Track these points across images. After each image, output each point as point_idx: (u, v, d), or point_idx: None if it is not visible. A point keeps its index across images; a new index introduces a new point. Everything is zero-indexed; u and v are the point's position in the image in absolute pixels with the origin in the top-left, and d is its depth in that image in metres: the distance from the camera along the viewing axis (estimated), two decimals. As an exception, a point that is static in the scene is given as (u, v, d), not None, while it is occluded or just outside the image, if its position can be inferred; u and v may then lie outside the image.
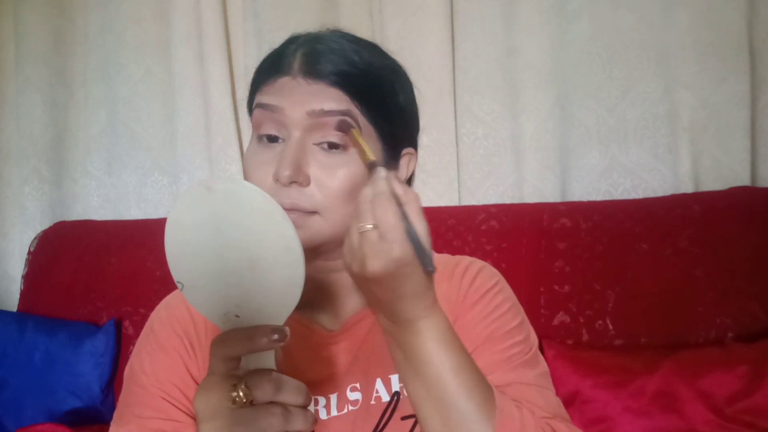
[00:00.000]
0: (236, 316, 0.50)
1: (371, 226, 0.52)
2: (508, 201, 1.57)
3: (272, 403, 0.48)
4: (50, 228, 1.78)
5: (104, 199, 1.90)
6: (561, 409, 0.68)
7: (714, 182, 1.45)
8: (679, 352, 1.17)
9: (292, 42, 0.68)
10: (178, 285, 0.50)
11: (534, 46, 1.52)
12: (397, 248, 0.51)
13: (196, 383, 0.67)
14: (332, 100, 0.63)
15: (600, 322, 1.29)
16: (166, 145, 1.82)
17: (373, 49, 0.69)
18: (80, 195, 1.92)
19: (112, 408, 1.52)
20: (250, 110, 0.69)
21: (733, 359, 1.13)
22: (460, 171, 1.61)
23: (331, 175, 0.62)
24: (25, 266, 1.74)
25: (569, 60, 1.53)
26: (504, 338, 0.69)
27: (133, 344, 1.53)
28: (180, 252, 0.49)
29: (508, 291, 0.75)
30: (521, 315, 0.74)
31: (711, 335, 1.24)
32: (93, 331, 1.51)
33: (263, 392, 0.48)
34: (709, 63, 1.44)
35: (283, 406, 0.48)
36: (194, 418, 0.65)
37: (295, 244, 0.48)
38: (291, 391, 0.49)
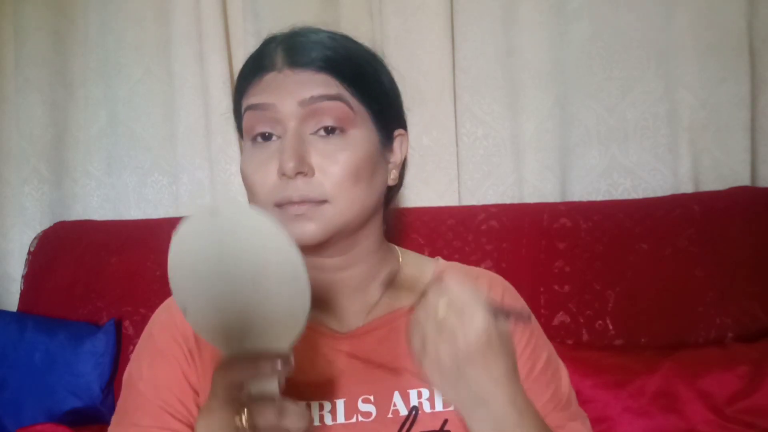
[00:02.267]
0: (239, 341, 0.49)
1: (443, 311, 0.53)
2: (508, 201, 1.57)
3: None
4: (50, 228, 1.78)
5: (104, 199, 1.90)
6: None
7: (714, 182, 1.45)
8: (679, 352, 1.17)
9: (270, 41, 0.68)
10: (182, 310, 0.49)
11: (534, 46, 1.52)
12: (480, 317, 0.52)
13: (194, 391, 0.67)
14: (321, 85, 0.63)
15: (600, 322, 1.29)
16: (166, 145, 1.82)
17: (347, 37, 0.70)
18: (80, 195, 1.92)
19: (112, 408, 1.51)
20: (239, 116, 0.68)
21: (734, 359, 1.13)
22: (460, 171, 1.61)
23: (334, 162, 0.62)
24: (25, 266, 1.74)
25: (569, 60, 1.53)
26: (545, 381, 0.69)
27: (134, 344, 1.53)
28: (183, 277, 0.49)
29: (534, 321, 0.75)
30: (548, 344, 0.74)
31: (711, 335, 1.24)
32: (93, 331, 1.51)
33: (265, 419, 0.47)
34: (709, 63, 1.44)
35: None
36: (191, 427, 0.65)
37: (301, 272, 0.47)
38: (293, 417, 0.48)
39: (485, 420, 0.56)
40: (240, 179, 1.88)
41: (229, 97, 1.72)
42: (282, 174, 0.61)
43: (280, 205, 0.63)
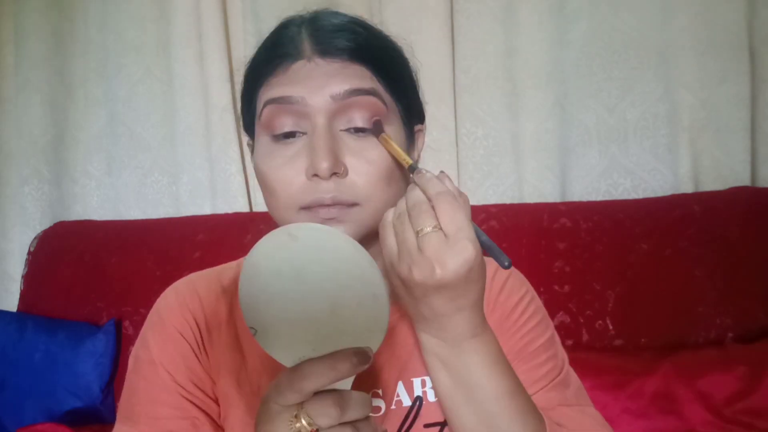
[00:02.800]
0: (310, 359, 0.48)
1: (431, 227, 0.48)
2: (508, 201, 1.57)
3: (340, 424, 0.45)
4: (50, 228, 1.78)
5: (104, 199, 1.90)
6: (603, 420, 0.64)
7: (714, 182, 1.45)
8: (677, 353, 1.17)
9: (289, 25, 0.61)
10: (251, 330, 0.48)
11: (534, 46, 1.52)
12: (471, 248, 0.47)
13: (210, 378, 0.63)
14: (356, 77, 0.57)
15: (600, 322, 1.29)
16: (166, 145, 1.82)
17: (365, 22, 0.63)
18: (80, 195, 1.92)
19: (112, 408, 1.53)
20: (250, 108, 0.63)
21: (732, 360, 1.13)
22: (460, 171, 1.61)
23: (367, 161, 0.57)
24: (25, 266, 1.74)
25: (569, 60, 1.53)
26: (537, 353, 0.65)
27: (134, 344, 1.53)
28: (256, 299, 0.47)
29: (538, 300, 0.70)
30: (551, 327, 0.69)
31: (711, 335, 1.24)
32: (93, 331, 1.51)
33: (328, 418, 0.44)
34: (709, 63, 1.44)
35: (352, 425, 0.45)
36: (209, 416, 0.61)
37: (381, 292, 0.46)
38: (355, 408, 0.45)
39: (441, 341, 0.53)
40: (240, 179, 1.89)
41: (228, 97, 1.73)
42: (313, 174, 0.55)
43: (308, 208, 0.57)
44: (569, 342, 1.29)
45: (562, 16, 1.52)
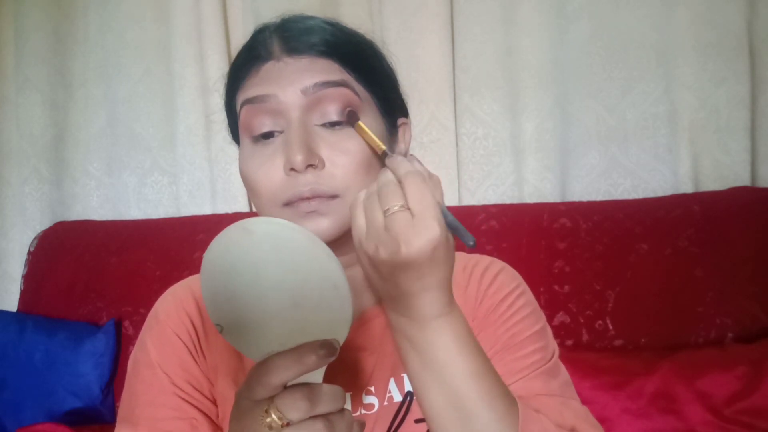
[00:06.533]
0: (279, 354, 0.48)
1: (398, 206, 0.49)
2: (508, 201, 1.57)
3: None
4: (50, 228, 1.78)
5: (104, 199, 1.90)
6: (589, 416, 0.64)
7: (714, 182, 1.45)
8: (677, 352, 1.17)
9: (262, 30, 0.63)
10: (217, 328, 0.48)
11: (534, 46, 1.52)
12: (436, 226, 0.48)
13: (207, 379, 0.64)
14: (324, 71, 0.59)
15: (600, 322, 1.29)
16: (166, 145, 1.82)
17: (341, 23, 0.65)
18: (80, 195, 1.92)
19: (112, 408, 1.53)
20: (233, 114, 0.64)
21: (732, 360, 1.13)
22: (460, 171, 1.61)
23: (344, 152, 0.58)
24: (25, 266, 1.74)
25: (569, 60, 1.53)
26: (524, 344, 0.65)
27: (134, 344, 1.53)
28: (218, 296, 0.47)
29: (529, 295, 0.70)
30: (542, 321, 0.69)
31: (711, 335, 1.24)
32: (93, 331, 1.52)
33: (298, 411, 0.44)
34: (709, 63, 1.44)
35: (325, 418, 0.45)
36: (207, 416, 0.62)
37: (341, 282, 0.46)
38: (327, 401, 0.45)
39: (408, 320, 0.53)
40: (240, 179, 1.89)
41: (229, 97, 1.73)
42: (290, 169, 0.56)
43: (289, 204, 0.58)
44: (569, 342, 1.29)
45: (563, 16, 1.52)
